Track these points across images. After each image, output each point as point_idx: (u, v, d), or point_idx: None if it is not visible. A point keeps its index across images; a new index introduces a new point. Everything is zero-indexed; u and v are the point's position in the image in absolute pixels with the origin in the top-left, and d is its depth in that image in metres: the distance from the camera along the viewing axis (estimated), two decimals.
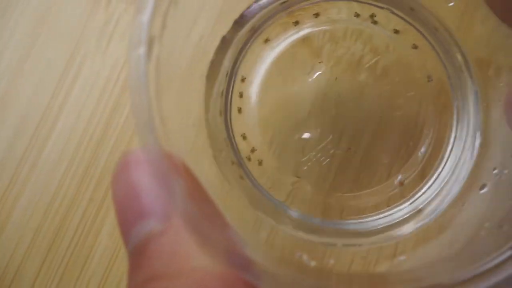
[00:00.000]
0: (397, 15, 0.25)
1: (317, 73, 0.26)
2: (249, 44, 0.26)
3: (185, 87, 0.21)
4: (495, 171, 0.21)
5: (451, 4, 0.23)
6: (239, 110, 0.26)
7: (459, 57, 0.24)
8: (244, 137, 0.26)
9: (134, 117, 0.16)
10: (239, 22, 0.24)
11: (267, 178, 0.25)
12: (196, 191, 0.18)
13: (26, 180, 0.30)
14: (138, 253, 0.17)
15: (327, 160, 0.25)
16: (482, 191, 0.21)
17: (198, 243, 0.16)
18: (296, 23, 0.26)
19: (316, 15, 0.26)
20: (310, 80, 0.26)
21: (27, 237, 0.29)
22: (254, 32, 0.26)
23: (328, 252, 0.22)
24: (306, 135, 0.25)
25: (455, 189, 0.23)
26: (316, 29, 0.26)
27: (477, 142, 0.23)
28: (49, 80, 0.30)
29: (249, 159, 0.26)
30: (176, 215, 0.16)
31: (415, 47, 0.25)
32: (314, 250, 0.22)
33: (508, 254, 0.15)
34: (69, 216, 0.29)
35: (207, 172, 0.22)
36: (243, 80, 0.26)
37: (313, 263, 0.19)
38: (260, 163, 0.26)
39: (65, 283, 0.28)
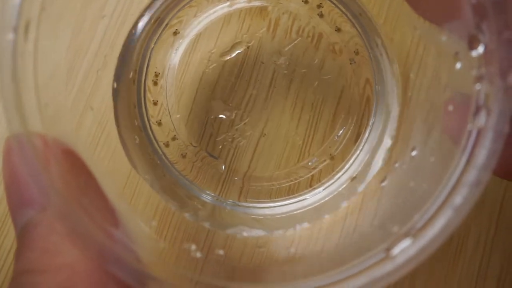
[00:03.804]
0: None
1: (237, 52, 0.25)
2: (158, 35, 0.25)
3: (84, 72, 0.20)
4: (396, 164, 0.20)
5: None
6: (155, 103, 0.25)
7: (378, 40, 0.23)
8: (159, 123, 0.25)
9: (3, 104, 0.15)
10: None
11: (183, 161, 0.25)
12: (79, 179, 0.18)
13: None
14: (20, 239, 0.17)
15: (243, 142, 0.25)
16: (383, 183, 0.21)
17: (70, 236, 0.16)
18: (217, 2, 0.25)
19: None
20: (228, 58, 0.25)
21: None
22: (161, 22, 0.25)
23: (220, 241, 0.22)
24: (222, 115, 0.25)
25: (363, 180, 0.22)
26: (233, 8, 0.25)
27: (392, 130, 0.23)
28: None
29: (167, 145, 0.25)
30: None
31: (338, 29, 0.25)
32: (208, 239, 0.22)
33: (380, 256, 0.15)
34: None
35: (104, 158, 0.22)
36: (156, 75, 0.25)
37: (199, 255, 0.19)
38: (183, 153, 0.25)
39: None
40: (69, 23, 0.18)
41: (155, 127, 0.25)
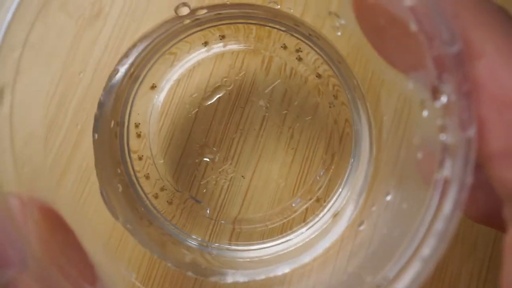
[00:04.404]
0: (300, 39, 0.25)
1: (217, 96, 0.25)
2: (134, 92, 0.25)
3: (65, 127, 0.21)
4: (373, 208, 0.21)
5: (338, 33, 0.23)
6: (140, 157, 0.25)
7: (355, 84, 0.24)
8: (147, 177, 0.25)
9: None
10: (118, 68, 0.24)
11: (170, 207, 0.25)
12: (56, 237, 0.18)
13: None
14: None
15: (227, 184, 0.25)
16: (360, 228, 0.21)
17: None
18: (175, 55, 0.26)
19: (205, 43, 0.26)
20: (209, 103, 0.25)
21: None
22: (137, 77, 0.25)
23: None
24: (206, 159, 0.25)
25: (343, 223, 0.22)
26: (211, 53, 0.26)
27: (369, 171, 0.23)
28: None
29: (156, 196, 0.25)
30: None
31: (318, 74, 0.25)
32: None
33: None
34: None
35: (87, 211, 0.22)
36: (137, 125, 0.25)
37: None
38: (168, 200, 0.25)
39: None
40: (46, 84, 0.18)
41: (142, 180, 0.25)
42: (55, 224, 0.18)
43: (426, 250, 0.15)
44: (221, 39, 0.25)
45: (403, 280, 0.15)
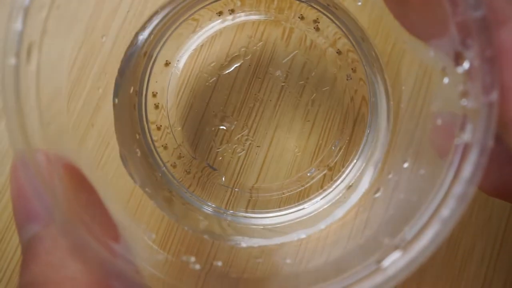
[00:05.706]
0: (318, 10, 0.25)
1: (235, 65, 0.26)
2: (152, 60, 0.25)
3: (87, 89, 0.21)
4: (389, 176, 0.21)
5: (359, 3, 0.23)
6: (159, 127, 0.26)
7: (373, 53, 0.24)
8: (165, 147, 0.26)
9: (6, 123, 0.16)
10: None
11: (188, 176, 0.26)
12: (80, 194, 0.18)
13: None
14: (26, 252, 0.17)
15: (242, 152, 0.25)
16: (376, 195, 0.21)
17: (73, 250, 0.16)
18: (197, 23, 0.26)
19: (220, 13, 0.26)
20: (227, 72, 0.26)
21: None
22: (150, 56, 0.25)
23: (223, 253, 0.22)
24: (222, 126, 0.25)
25: (358, 191, 0.23)
26: (225, 24, 0.26)
27: (385, 142, 0.23)
28: None
29: (174, 166, 0.26)
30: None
31: (338, 51, 0.25)
32: (212, 251, 0.23)
33: (372, 268, 0.16)
34: None
35: (108, 172, 0.22)
36: (154, 94, 0.26)
37: (198, 267, 0.19)
38: (187, 170, 0.26)
39: None
40: (70, 44, 0.19)
41: (161, 150, 0.26)
42: (80, 183, 0.18)
43: (445, 212, 0.15)
44: (231, 13, 0.26)
45: (422, 240, 0.15)
